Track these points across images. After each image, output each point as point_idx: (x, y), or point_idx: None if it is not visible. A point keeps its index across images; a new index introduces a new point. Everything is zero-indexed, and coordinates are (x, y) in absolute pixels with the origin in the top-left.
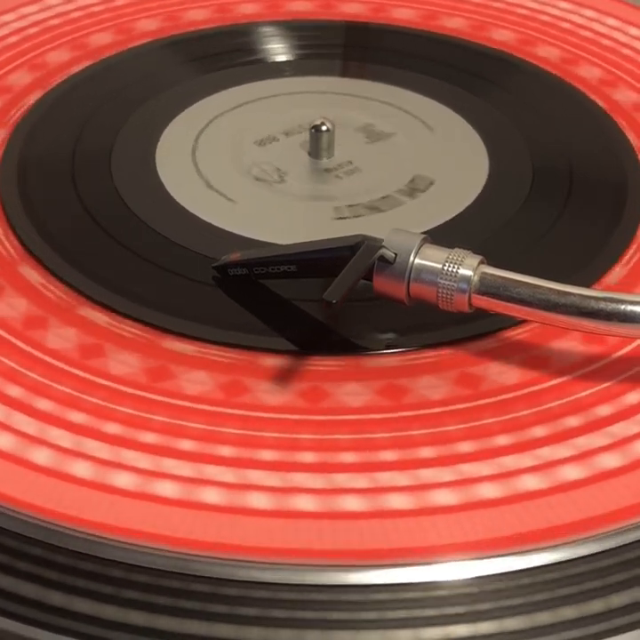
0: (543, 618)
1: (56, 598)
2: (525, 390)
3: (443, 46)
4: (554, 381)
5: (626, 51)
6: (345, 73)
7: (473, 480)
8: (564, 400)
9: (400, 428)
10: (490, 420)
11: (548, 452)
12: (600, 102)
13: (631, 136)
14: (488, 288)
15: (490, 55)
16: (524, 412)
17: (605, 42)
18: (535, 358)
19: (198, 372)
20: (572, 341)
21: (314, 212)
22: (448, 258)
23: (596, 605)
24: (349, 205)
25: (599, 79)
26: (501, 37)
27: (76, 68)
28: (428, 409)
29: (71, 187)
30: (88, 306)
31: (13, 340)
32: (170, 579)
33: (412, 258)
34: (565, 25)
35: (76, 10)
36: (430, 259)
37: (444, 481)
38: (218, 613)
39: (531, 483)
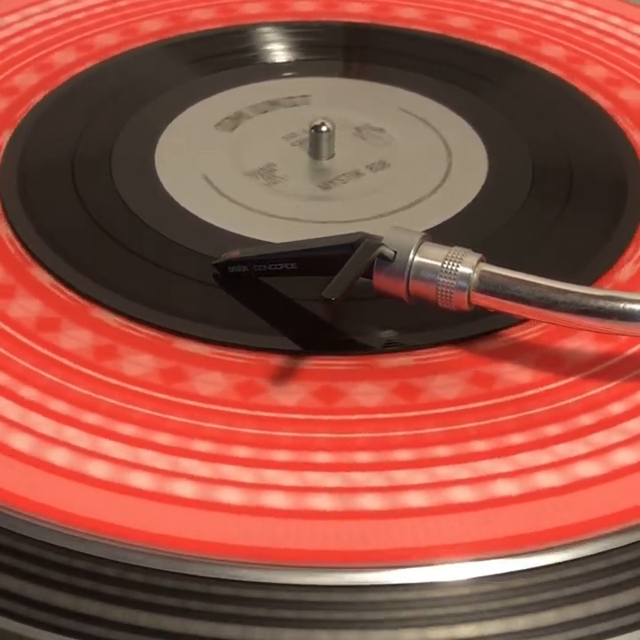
0: (575, 612)
1: (89, 606)
2: (539, 389)
3: (442, 47)
4: (567, 379)
5: (630, 49)
6: (345, 73)
7: (489, 478)
8: (578, 398)
9: (415, 427)
10: (505, 418)
11: (563, 450)
12: (600, 101)
13: (631, 134)
14: (487, 286)
15: (490, 55)
16: (539, 410)
17: (609, 40)
18: (547, 357)
19: (211, 373)
20: (583, 340)
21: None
22: (447, 256)
23: (628, 597)
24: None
25: (600, 78)
26: (506, 36)
27: (81, 69)
28: (442, 408)
29: (71, 187)
30: (89, 306)
31: (26, 340)
32: (193, 582)
33: (411, 256)
34: (568, 23)
35: (80, 11)
36: (430, 257)
37: (460, 479)
38: (252, 616)
39: (546, 480)
